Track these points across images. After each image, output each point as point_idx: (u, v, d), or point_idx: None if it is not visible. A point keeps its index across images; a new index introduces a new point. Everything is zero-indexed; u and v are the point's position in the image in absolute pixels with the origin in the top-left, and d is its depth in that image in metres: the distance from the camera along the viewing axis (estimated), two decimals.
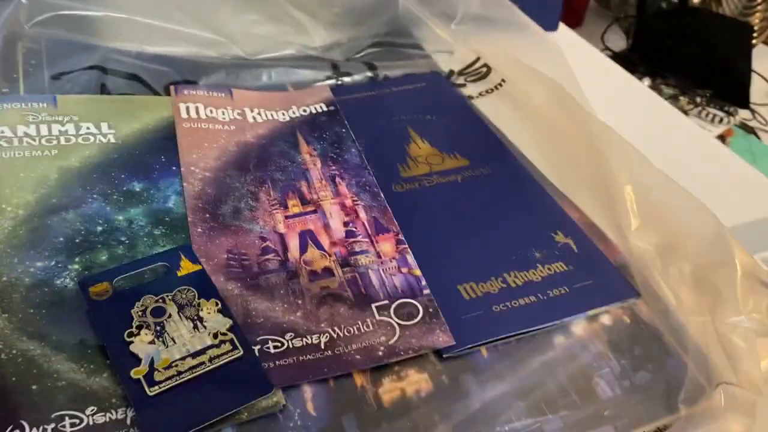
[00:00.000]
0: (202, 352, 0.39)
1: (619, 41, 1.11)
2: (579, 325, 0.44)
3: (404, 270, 0.45)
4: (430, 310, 0.42)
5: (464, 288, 0.45)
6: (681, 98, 0.87)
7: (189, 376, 0.37)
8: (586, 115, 0.56)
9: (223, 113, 0.57)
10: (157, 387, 0.37)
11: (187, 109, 0.56)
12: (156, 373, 0.37)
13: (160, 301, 0.41)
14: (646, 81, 0.93)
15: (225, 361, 0.38)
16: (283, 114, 0.59)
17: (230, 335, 0.40)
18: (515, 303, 0.44)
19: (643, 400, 0.40)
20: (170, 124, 0.55)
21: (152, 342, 0.39)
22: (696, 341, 0.42)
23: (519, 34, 0.70)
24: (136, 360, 0.38)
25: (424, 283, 0.44)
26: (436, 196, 0.53)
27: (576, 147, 0.56)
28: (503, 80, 0.69)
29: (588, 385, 0.41)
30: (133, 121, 0.55)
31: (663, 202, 0.48)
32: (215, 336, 0.39)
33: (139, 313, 0.40)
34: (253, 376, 0.38)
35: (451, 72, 0.71)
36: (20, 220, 0.45)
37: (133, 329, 0.39)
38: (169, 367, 0.38)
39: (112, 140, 0.53)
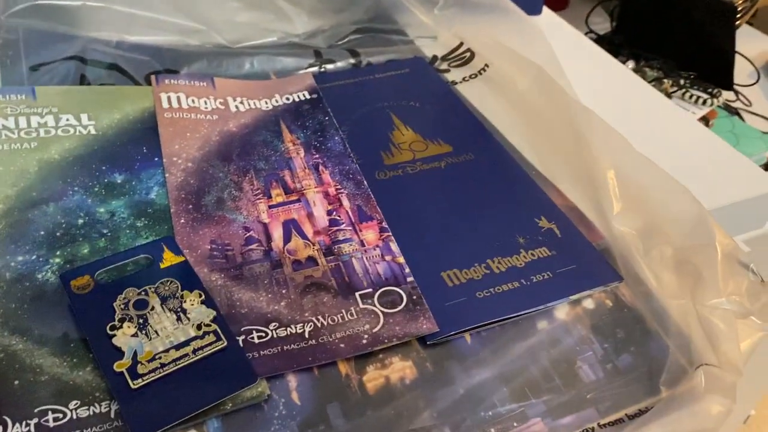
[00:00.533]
0: (186, 343, 0.39)
1: (603, 24, 1.11)
2: (562, 310, 0.44)
3: (388, 258, 0.45)
4: (414, 297, 0.42)
5: (448, 275, 0.45)
6: (665, 81, 0.88)
7: (173, 368, 0.37)
8: (568, 99, 0.56)
9: (206, 103, 0.57)
10: (140, 380, 0.37)
11: (169, 98, 0.56)
12: (139, 365, 0.37)
13: (143, 293, 0.41)
14: (630, 64, 0.93)
15: (209, 352, 0.38)
16: (266, 102, 0.58)
17: (214, 326, 0.39)
18: (499, 289, 0.44)
19: (626, 383, 0.41)
20: (151, 115, 0.55)
21: (135, 335, 0.39)
22: (677, 323, 0.43)
23: (502, 19, 0.70)
24: (119, 353, 0.38)
25: (407, 270, 0.44)
26: (419, 183, 0.53)
27: (559, 132, 0.56)
28: (486, 65, 0.68)
29: (571, 369, 0.41)
30: (113, 112, 0.54)
31: (645, 186, 0.48)
32: (199, 327, 0.39)
33: (122, 306, 0.40)
34: (237, 366, 0.38)
35: (435, 57, 0.71)
36: (0, 215, 0.45)
37: (116, 322, 0.39)
38: (153, 359, 0.38)
39: (93, 132, 0.52)
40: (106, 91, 0.57)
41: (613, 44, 0.98)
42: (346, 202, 0.49)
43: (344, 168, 0.52)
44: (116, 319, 0.39)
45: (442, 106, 0.63)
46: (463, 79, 0.68)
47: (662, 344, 0.42)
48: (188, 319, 0.40)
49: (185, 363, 0.38)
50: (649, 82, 0.92)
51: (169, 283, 0.42)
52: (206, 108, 0.56)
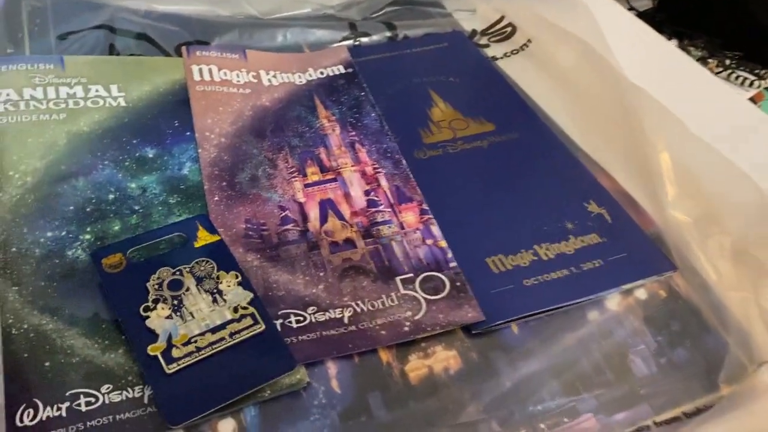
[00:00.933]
0: (222, 327, 0.37)
1: (644, 0, 1.06)
2: (613, 300, 0.42)
3: (429, 242, 0.43)
4: (458, 284, 0.40)
5: (493, 261, 0.43)
6: (709, 61, 0.84)
7: (209, 353, 0.36)
8: (618, 77, 0.54)
9: (238, 76, 0.55)
10: (175, 364, 0.35)
11: (200, 71, 0.54)
12: (174, 349, 0.36)
13: (177, 273, 0.39)
14: (673, 42, 0.89)
15: (246, 336, 0.37)
16: (300, 77, 0.56)
17: (251, 309, 0.38)
18: (547, 277, 0.42)
19: (681, 379, 0.39)
20: (182, 87, 0.53)
21: (169, 317, 0.37)
22: (737, 318, 0.41)
23: None
24: (153, 336, 0.36)
25: (450, 255, 0.42)
26: (460, 163, 0.51)
27: (607, 111, 0.54)
28: (529, 40, 0.66)
29: (623, 363, 0.39)
30: (143, 84, 0.52)
31: (701, 171, 0.46)
32: (235, 310, 0.38)
33: (155, 286, 0.39)
34: (275, 351, 0.36)
35: (474, 32, 0.68)
36: (29, 188, 0.43)
37: (149, 303, 0.38)
38: (188, 342, 0.36)
39: (123, 103, 0.50)
40: (135, 61, 0.55)
41: (655, 22, 0.94)
42: (384, 182, 0.47)
43: (381, 146, 0.50)
44: (150, 300, 0.38)
45: (482, 83, 0.60)
46: (504, 54, 0.65)
47: (720, 339, 0.40)
48: (224, 301, 0.38)
49: (222, 347, 0.36)
50: None
51: (204, 263, 0.40)
52: (239, 81, 0.54)
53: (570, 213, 0.46)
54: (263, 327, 0.37)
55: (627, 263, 0.43)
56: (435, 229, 0.44)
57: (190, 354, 0.36)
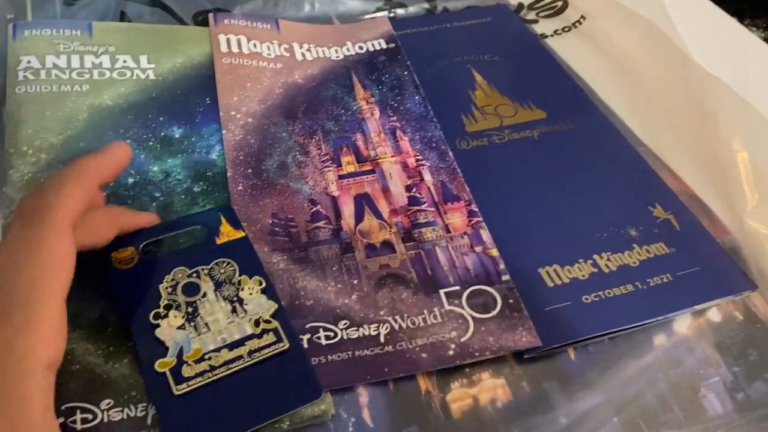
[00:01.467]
0: (240, 342, 0.33)
1: None
2: (682, 322, 0.37)
3: (478, 249, 0.38)
4: (511, 300, 0.36)
5: (547, 272, 0.38)
6: None
7: (223, 373, 0.32)
8: (687, 62, 0.48)
9: (269, 48, 0.50)
10: (185, 385, 0.31)
11: (228, 41, 0.49)
12: (185, 366, 0.32)
13: (194, 275, 0.35)
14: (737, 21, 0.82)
15: (267, 355, 0.32)
16: (336, 51, 0.51)
17: (274, 323, 0.33)
18: (609, 293, 0.37)
19: (761, 418, 0.34)
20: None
21: (182, 327, 0.33)
22: None
23: None
24: (162, 348, 0.32)
25: (502, 266, 0.37)
26: (508, 155, 0.46)
27: (674, 101, 0.48)
28: (582, 17, 0.60)
29: (694, 398, 0.34)
30: (176, 55, 0.48)
31: None
32: (257, 323, 0.33)
33: (169, 290, 0.34)
34: (300, 375, 0.32)
35: (521, 5, 0.62)
36: (42, 166, 0.39)
37: (161, 309, 0.34)
38: (201, 359, 0.32)
39: (151, 76, 0.46)
40: (168, 31, 0.50)
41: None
42: (428, 177, 0.42)
43: (426, 135, 0.45)
44: (161, 305, 0.34)
45: (530, 63, 0.55)
46: (555, 32, 0.59)
47: None
48: (245, 311, 0.34)
49: (238, 367, 0.32)
50: None
51: (225, 264, 0.36)
52: (269, 54, 0.49)
53: (633, 218, 0.41)
54: (287, 345, 0.33)
55: (699, 279, 0.38)
56: (485, 234, 0.39)
57: (202, 373, 0.31)
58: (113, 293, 0.34)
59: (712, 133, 0.44)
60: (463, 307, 0.35)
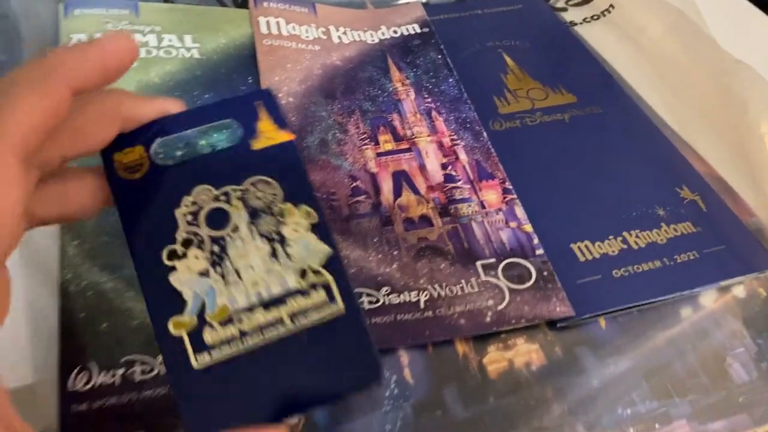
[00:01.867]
0: (281, 300, 0.24)
1: None
2: (709, 297, 0.39)
3: (513, 224, 0.40)
4: (545, 273, 0.37)
5: (578, 247, 0.39)
6: None
7: (257, 342, 0.24)
8: (715, 49, 0.49)
9: (307, 31, 0.51)
10: (206, 355, 0.23)
11: (268, 23, 0.51)
12: (207, 330, 0.24)
13: (223, 198, 0.25)
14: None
15: (315, 321, 0.24)
16: (372, 35, 0.53)
17: (326, 276, 0.25)
18: (638, 268, 0.39)
19: None
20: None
21: (205, 273, 0.24)
22: None
23: None
24: (178, 302, 0.24)
25: (536, 241, 0.39)
26: (540, 137, 0.47)
27: (701, 87, 0.49)
28: (611, 5, 0.61)
29: (720, 367, 0.36)
30: (218, 36, 0.49)
31: None
32: (302, 274, 0.25)
33: (189, 218, 0.25)
34: (356, 350, 0.24)
35: None
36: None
37: (177, 247, 0.24)
38: (229, 321, 0.24)
39: (196, 55, 0.48)
40: (210, 12, 0.52)
41: None
42: (463, 156, 0.44)
43: (460, 116, 0.46)
44: (178, 239, 0.25)
45: (560, 50, 0.56)
46: (584, 20, 0.61)
47: None
48: (288, 256, 0.25)
49: (276, 335, 0.24)
50: None
51: (264, 185, 0.26)
52: (308, 37, 0.51)
53: (661, 198, 0.43)
54: (342, 309, 0.24)
55: (725, 257, 0.40)
56: (519, 211, 0.40)
57: (230, 341, 0.24)
58: (119, 211, 0.25)
59: (739, 118, 0.45)
60: (498, 278, 0.37)
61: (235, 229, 0.25)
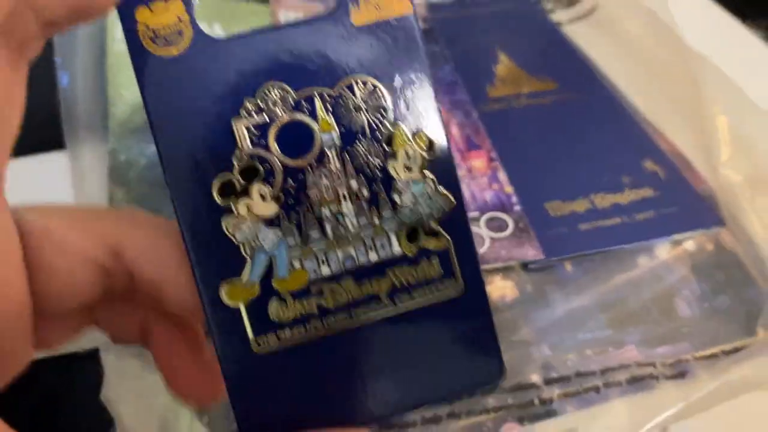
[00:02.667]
0: (379, 270, 0.19)
1: None
2: (663, 249, 0.45)
3: (495, 186, 0.46)
4: (520, 225, 0.44)
5: (551, 206, 0.46)
6: None
7: (342, 324, 0.19)
8: (681, 45, 0.56)
9: None
10: (272, 336, 0.18)
11: (286, 16, 0.58)
12: (275, 301, 0.18)
13: (305, 105, 0.18)
14: (739, 20, 0.90)
15: (423, 302, 0.19)
16: None
17: (445, 240, 0.19)
18: (601, 223, 0.45)
19: (722, 322, 0.41)
20: None
21: (274, 221, 0.18)
22: None
23: None
24: (236, 258, 0.18)
25: (514, 200, 0.46)
26: (524, 117, 0.54)
27: (669, 77, 0.56)
28: (594, 7, 0.68)
29: (669, 304, 0.42)
30: (244, 26, 0.56)
31: (756, 135, 0.48)
32: (412, 235, 0.19)
33: (253, 131, 0.18)
34: (475, 341, 0.19)
35: None
36: (137, 107, 0.48)
37: (234, 175, 0.18)
38: (305, 293, 0.18)
39: None
40: (237, 5, 0.59)
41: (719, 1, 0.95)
42: (454, 131, 0.50)
43: (454, 98, 0.53)
44: (237, 165, 0.18)
45: (547, 45, 0.63)
46: (570, 20, 0.67)
47: (761, 290, 0.43)
48: (393, 204, 0.19)
49: (369, 318, 0.19)
50: None
51: (368, 91, 0.18)
52: None
53: (626, 168, 0.49)
54: (462, 287, 0.19)
55: (678, 216, 0.46)
56: (501, 175, 0.47)
57: (304, 320, 0.18)
58: (146, 113, 0.18)
59: (698, 102, 0.52)
60: (480, 228, 0.44)
61: (321, 157, 0.18)
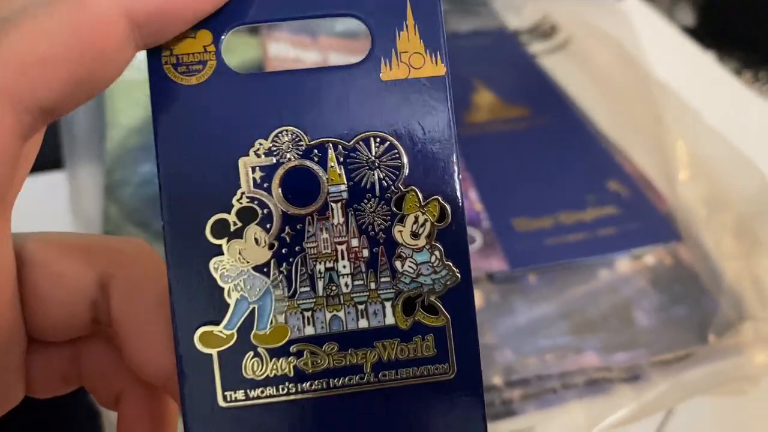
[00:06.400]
0: (367, 339, 0.17)
1: (686, 13, 1.11)
2: (623, 262, 0.48)
3: (465, 204, 0.49)
4: (488, 239, 0.47)
5: (518, 222, 0.49)
6: (743, 72, 0.88)
7: (316, 392, 0.17)
8: (646, 75, 0.60)
9: (309, 55, 0.62)
10: (240, 392, 0.17)
11: (276, 48, 0.61)
12: (249, 355, 0.17)
13: (315, 154, 0.17)
14: (711, 54, 0.94)
15: (409, 383, 0.18)
16: (361, 57, 0.63)
17: (443, 318, 0.18)
18: (565, 238, 0.48)
19: (677, 331, 0.44)
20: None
21: (264, 267, 0.17)
22: (730, 283, 0.46)
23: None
24: (216, 302, 0.17)
25: (483, 215, 0.49)
26: (497, 140, 0.57)
27: (634, 105, 0.59)
28: (568, 40, 0.72)
29: (627, 314, 0.45)
30: (235, 55, 0.60)
31: (712, 156, 0.51)
32: (408, 308, 0.18)
33: (257, 173, 0.17)
34: (465, 427, 0.18)
35: (517, 30, 0.74)
36: (132, 130, 0.51)
37: (231, 216, 0.17)
38: (283, 351, 0.17)
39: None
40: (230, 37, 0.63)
41: (694, 34, 0.99)
42: None
43: None
44: (235, 205, 0.17)
45: (522, 75, 0.66)
46: (545, 51, 0.71)
47: (714, 301, 0.46)
48: (393, 271, 0.18)
49: (347, 390, 0.17)
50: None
51: (384, 148, 0.18)
52: (309, 60, 0.61)
53: (591, 188, 0.52)
54: (453, 374, 0.18)
55: (638, 232, 0.49)
56: (472, 194, 0.50)
57: (278, 381, 0.17)
58: (154, 136, 0.18)
59: (659, 127, 0.55)
60: None
61: (324, 209, 0.17)
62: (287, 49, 0.62)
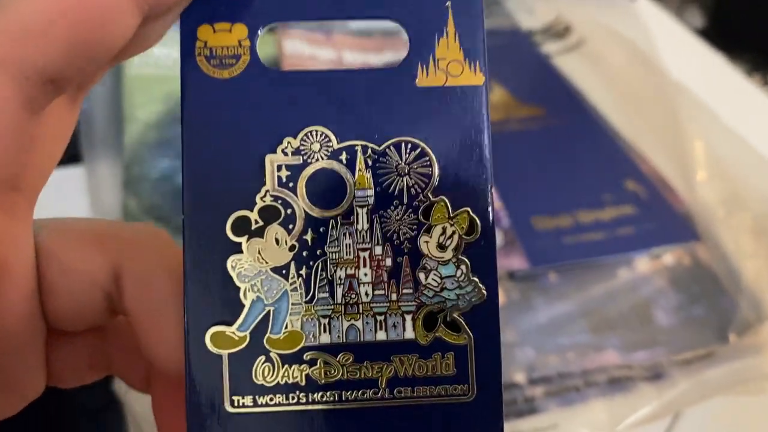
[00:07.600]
0: (383, 353, 0.17)
1: (694, 15, 1.12)
2: (642, 262, 0.48)
3: None
4: (508, 237, 0.47)
5: (537, 220, 0.49)
6: (753, 74, 0.89)
7: (327, 404, 0.17)
8: (662, 75, 0.60)
9: (323, 53, 0.62)
10: (249, 398, 0.17)
11: (291, 46, 0.61)
12: (261, 360, 0.17)
13: (342, 156, 0.17)
14: (721, 55, 0.94)
15: (425, 402, 0.17)
16: (376, 57, 0.63)
17: (464, 337, 0.17)
18: (584, 237, 0.48)
19: (696, 330, 0.44)
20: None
21: (282, 269, 0.17)
22: (749, 283, 0.46)
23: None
24: (231, 303, 0.17)
25: (503, 214, 0.49)
26: (515, 140, 0.57)
27: (650, 105, 0.59)
28: (582, 40, 0.72)
29: (647, 313, 0.45)
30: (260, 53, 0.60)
31: (729, 157, 0.51)
32: (429, 323, 0.17)
33: (284, 171, 0.17)
34: None
35: (531, 30, 0.74)
36: (150, 125, 0.51)
37: (253, 213, 0.17)
38: (297, 358, 0.17)
39: None
40: None
41: (705, 34, 0.99)
42: None
43: None
44: (258, 203, 0.17)
45: (536, 75, 0.66)
46: (558, 52, 0.71)
47: (734, 301, 0.46)
48: (415, 281, 0.17)
49: (358, 405, 0.17)
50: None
51: (415, 155, 0.17)
52: (323, 58, 0.61)
53: (609, 188, 0.52)
54: (472, 396, 0.17)
55: (656, 232, 0.49)
56: (493, 192, 0.50)
57: (289, 389, 0.17)
58: (182, 128, 0.17)
59: (676, 128, 0.55)
60: None
61: (349, 213, 0.17)
62: (303, 46, 0.62)
